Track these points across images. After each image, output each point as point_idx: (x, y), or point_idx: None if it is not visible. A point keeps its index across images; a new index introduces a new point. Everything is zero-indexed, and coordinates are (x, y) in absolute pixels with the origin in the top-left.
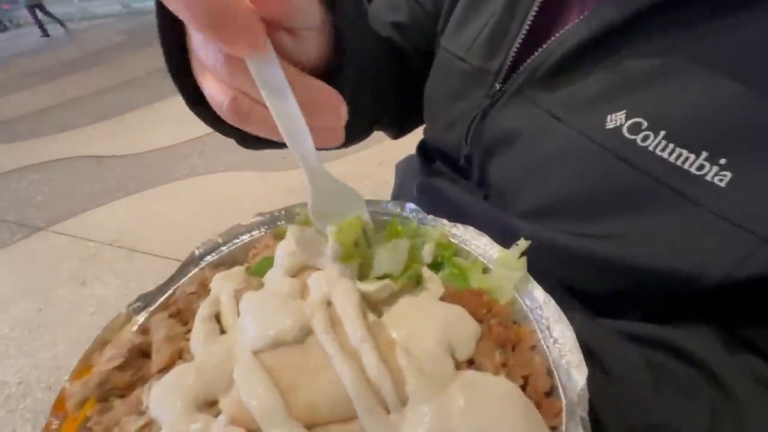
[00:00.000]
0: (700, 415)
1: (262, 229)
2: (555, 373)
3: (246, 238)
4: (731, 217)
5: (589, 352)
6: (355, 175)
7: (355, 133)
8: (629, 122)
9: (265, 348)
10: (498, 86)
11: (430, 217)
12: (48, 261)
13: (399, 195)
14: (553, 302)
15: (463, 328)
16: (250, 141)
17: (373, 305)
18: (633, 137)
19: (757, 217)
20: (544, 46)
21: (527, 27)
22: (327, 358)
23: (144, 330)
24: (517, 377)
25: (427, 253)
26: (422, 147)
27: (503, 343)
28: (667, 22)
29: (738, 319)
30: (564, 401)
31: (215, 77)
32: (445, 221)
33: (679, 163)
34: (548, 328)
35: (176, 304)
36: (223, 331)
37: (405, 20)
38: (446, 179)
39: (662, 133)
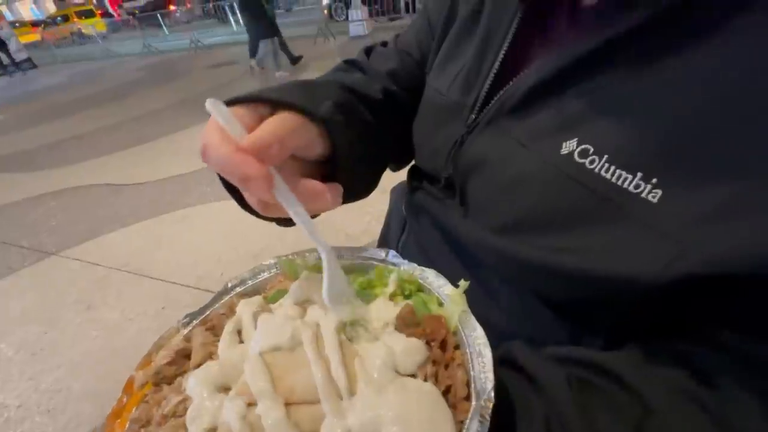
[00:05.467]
0: (625, 429)
1: (279, 269)
2: (473, 384)
3: (266, 275)
4: (661, 229)
5: (527, 375)
6: (359, 203)
7: (360, 190)
8: (579, 148)
9: (268, 350)
10: (473, 117)
11: (406, 261)
12: (56, 285)
13: (391, 215)
14: (482, 331)
15: (411, 354)
16: (281, 222)
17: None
18: (582, 161)
19: (683, 228)
20: (510, 84)
21: (496, 69)
22: (308, 361)
23: (187, 338)
24: (442, 385)
25: (392, 283)
26: (412, 170)
27: (439, 362)
28: (606, 66)
29: (672, 331)
30: (474, 403)
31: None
32: (415, 266)
33: (619, 182)
34: (478, 351)
35: (211, 321)
36: (241, 341)
37: (397, 66)
38: (432, 198)
39: (605, 156)
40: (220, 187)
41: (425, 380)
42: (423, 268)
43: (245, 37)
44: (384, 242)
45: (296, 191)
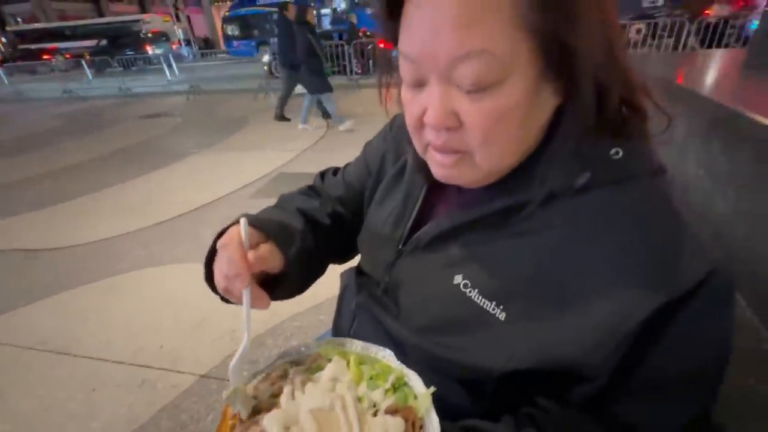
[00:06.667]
0: None
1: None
2: None
3: (304, 350)
4: (504, 338)
5: None
6: None
7: (293, 294)
8: (463, 281)
9: (314, 409)
10: (400, 247)
11: (399, 361)
12: None
13: (342, 299)
14: (437, 421)
15: (396, 428)
16: (229, 302)
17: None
18: (464, 290)
19: (514, 338)
20: (422, 229)
21: (414, 216)
22: (339, 421)
23: (256, 388)
24: None
25: (390, 381)
26: (359, 270)
27: None
28: (481, 228)
29: (524, 402)
30: None
31: (222, 276)
32: (404, 366)
33: (484, 306)
34: None
35: (272, 378)
36: (293, 398)
37: (343, 194)
38: (373, 300)
39: (477, 289)
40: (157, 250)
41: None
42: (408, 369)
43: (180, 87)
44: (337, 327)
45: (251, 291)
